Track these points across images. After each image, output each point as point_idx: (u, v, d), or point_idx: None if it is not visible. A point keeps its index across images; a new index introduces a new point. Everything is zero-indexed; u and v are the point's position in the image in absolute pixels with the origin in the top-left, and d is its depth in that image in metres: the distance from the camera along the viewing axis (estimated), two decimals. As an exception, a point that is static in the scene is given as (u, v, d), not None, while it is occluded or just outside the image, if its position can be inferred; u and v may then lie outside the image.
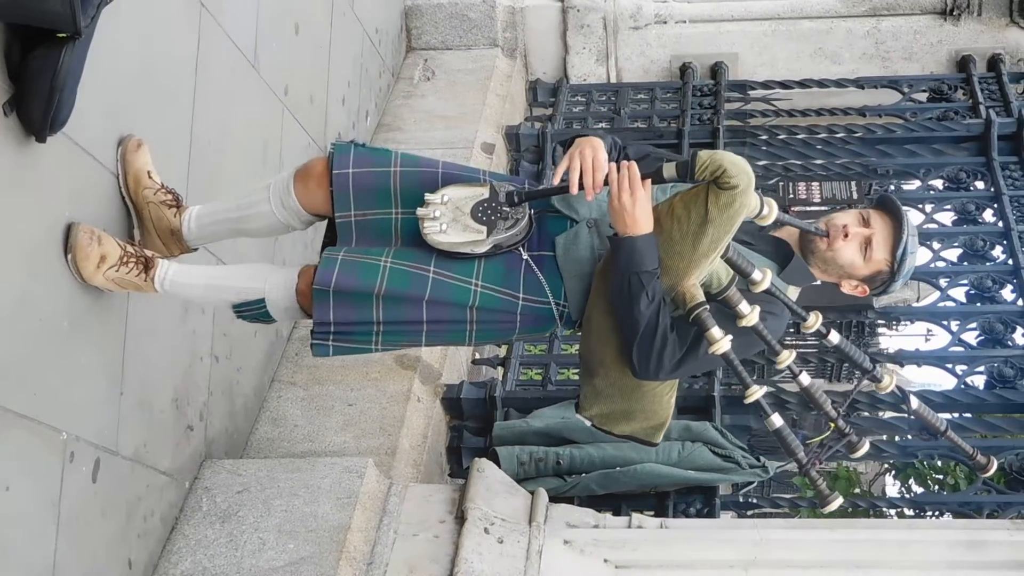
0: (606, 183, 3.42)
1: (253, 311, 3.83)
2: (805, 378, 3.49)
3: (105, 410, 4.00)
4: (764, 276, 3.40)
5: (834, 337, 3.53)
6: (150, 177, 4.07)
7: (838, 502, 3.48)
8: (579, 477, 5.29)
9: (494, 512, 4.46)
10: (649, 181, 3.36)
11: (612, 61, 8.36)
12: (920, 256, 3.84)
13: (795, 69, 8.25)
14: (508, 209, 3.58)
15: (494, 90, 7.70)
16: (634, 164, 3.39)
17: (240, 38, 5.11)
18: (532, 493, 4.66)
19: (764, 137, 7.36)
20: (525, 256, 3.63)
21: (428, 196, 3.62)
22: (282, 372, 5.58)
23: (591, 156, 3.44)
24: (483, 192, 3.62)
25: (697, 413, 5.62)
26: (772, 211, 3.35)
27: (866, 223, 3.56)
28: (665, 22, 8.42)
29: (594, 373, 3.64)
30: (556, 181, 3.51)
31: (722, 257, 3.35)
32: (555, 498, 4.82)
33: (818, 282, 3.70)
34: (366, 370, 5.57)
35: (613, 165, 3.42)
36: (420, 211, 3.60)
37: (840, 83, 8.04)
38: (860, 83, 8.02)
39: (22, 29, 3.34)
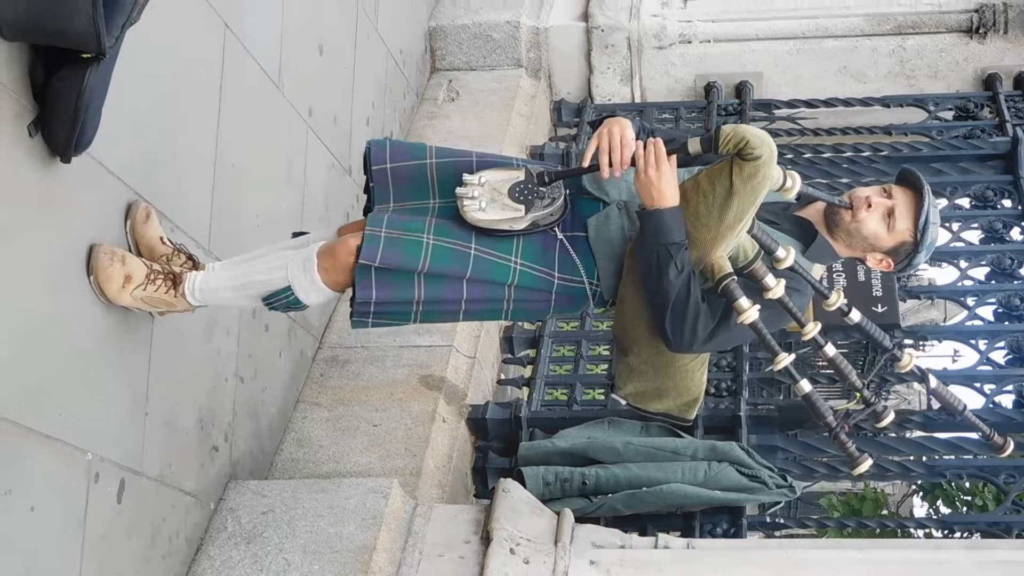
0: (634, 163, 3.51)
1: (283, 300, 3.82)
2: (831, 349, 3.61)
3: (130, 431, 4.00)
4: (788, 253, 3.53)
5: (855, 315, 3.64)
6: (163, 243, 4.05)
7: (868, 463, 3.63)
8: (605, 497, 5.26)
9: (520, 533, 4.44)
10: (675, 156, 3.48)
11: (636, 80, 8.35)
12: (941, 236, 3.87)
13: (820, 88, 8.23)
14: (544, 189, 3.66)
15: (518, 110, 7.70)
16: (660, 140, 3.49)
17: (264, 59, 5.13)
18: (558, 514, 4.64)
19: (790, 156, 7.34)
20: (560, 236, 3.71)
21: (467, 177, 3.70)
22: (307, 393, 5.58)
23: (619, 135, 3.53)
24: (519, 175, 3.69)
25: (723, 433, 5.59)
26: (796, 183, 3.47)
27: (888, 195, 3.63)
28: (689, 42, 8.41)
29: (627, 351, 3.75)
30: (586, 162, 3.60)
31: (748, 232, 3.46)
32: (581, 519, 4.79)
33: (841, 259, 3.83)
34: (391, 390, 5.57)
35: (640, 143, 3.51)
36: (459, 190, 3.68)
37: (865, 102, 8.01)
38: (886, 102, 8.00)
39: (46, 50, 3.35)
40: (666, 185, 3.45)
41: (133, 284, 3.76)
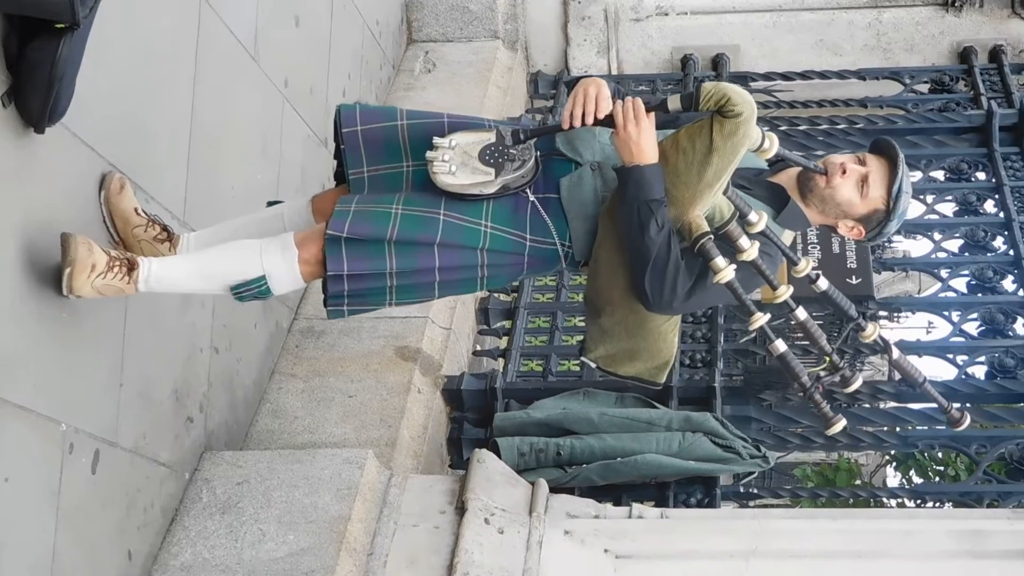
0: (610, 122, 3.51)
1: (252, 290, 3.74)
2: (802, 312, 3.62)
3: (105, 402, 4.00)
4: (760, 217, 3.54)
5: (822, 283, 3.68)
6: (138, 214, 4.01)
7: (842, 423, 3.66)
8: (580, 468, 5.28)
9: (494, 503, 4.46)
10: (654, 114, 3.49)
11: (613, 53, 8.35)
12: (915, 208, 3.93)
13: (796, 61, 8.25)
14: (515, 151, 3.64)
15: (495, 82, 7.69)
16: (639, 98, 3.50)
17: (240, 30, 5.11)
18: (533, 484, 4.66)
19: (766, 128, 7.33)
20: (532, 198, 3.69)
21: (436, 140, 3.67)
22: (282, 364, 5.58)
23: (595, 93, 3.53)
24: (490, 137, 3.67)
25: (697, 404, 5.61)
26: (774, 144, 3.50)
27: (862, 163, 3.65)
28: (666, 14, 8.42)
29: (600, 312, 3.75)
30: (565, 124, 3.59)
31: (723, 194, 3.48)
32: (556, 489, 4.81)
33: (813, 227, 3.88)
34: (366, 361, 5.58)
35: (618, 101, 3.51)
36: (429, 154, 3.66)
37: (842, 75, 8.04)
38: (861, 74, 8.03)
39: (20, 20, 3.33)
40: (646, 141, 3.46)
41: (95, 273, 3.61)
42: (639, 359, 3.81)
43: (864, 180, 3.62)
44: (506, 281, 4.28)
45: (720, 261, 3.46)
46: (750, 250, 3.51)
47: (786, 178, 3.74)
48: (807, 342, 3.75)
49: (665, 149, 3.49)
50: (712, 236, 3.48)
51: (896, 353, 3.76)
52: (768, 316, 3.59)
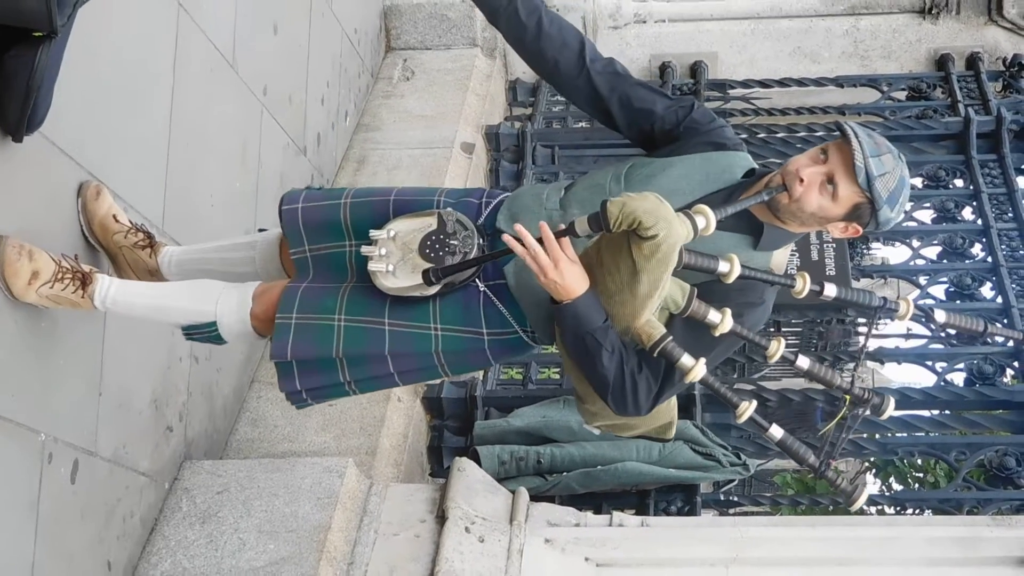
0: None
1: (203, 334, 3.65)
2: (804, 361, 3.22)
3: (83, 411, 3.98)
4: (731, 264, 3.09)
5: (830, 290, 3.26)
6: (117, 221, 3.98)
7: (866, 494, 3.24)
8: (560, 476, 5.29)
9: (475, 511, 4.45)
10: (567, 240, 3.07)
11: (591, 60, 8.35)
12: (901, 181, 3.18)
13: (774, 68, 8.28)
14: (455, 242, 3.36)
15: (474, 90, 7.69)
16: (548, 232, 3.06)
17: (218, 37, 5.10)
18: (513, 492, 4.65)
19: (744, 136, 7.36)
20: (482, 288, 3.44)
21: (373, 233, 3.43)
22: (262, 372, 5.57)
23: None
24: (431, 223, 3.40)
25: (678, 411, 5.60)
26: (709, 221, 3.02)
27: (824, 158, 3.19)
28: (644, 21, 8.44)
29: (583, 399, 3.43)
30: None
31: (682, 267, 3.05)
32: (536, 497, 4.81)
33: (800, 236, 3.43)
34: (346, 370, 5.56)
35: (533, 248, 3.07)
36: (365, 250, 3.42)
37: (819, 82, 8.07)
38: (839, 82, 8.06)
39: (-2, 28, 3.33)
40: (571, 279, 3.07)
41: (40, 281, 3.56)
42: (639, 427, 3.51)
43: (829, 179, 3.15)
44: (475, 368, 4.03)
45: (687, 360, 3.09)
46: (723, 322, 3.11)
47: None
48: (821, 385, 3.40)
49: (591, 265, 3.11)
50: (671, 337, 3.09)
51: (943, 316, 3.34)
52: (755, 405, 3.17)
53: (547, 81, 3.68)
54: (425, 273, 3.30)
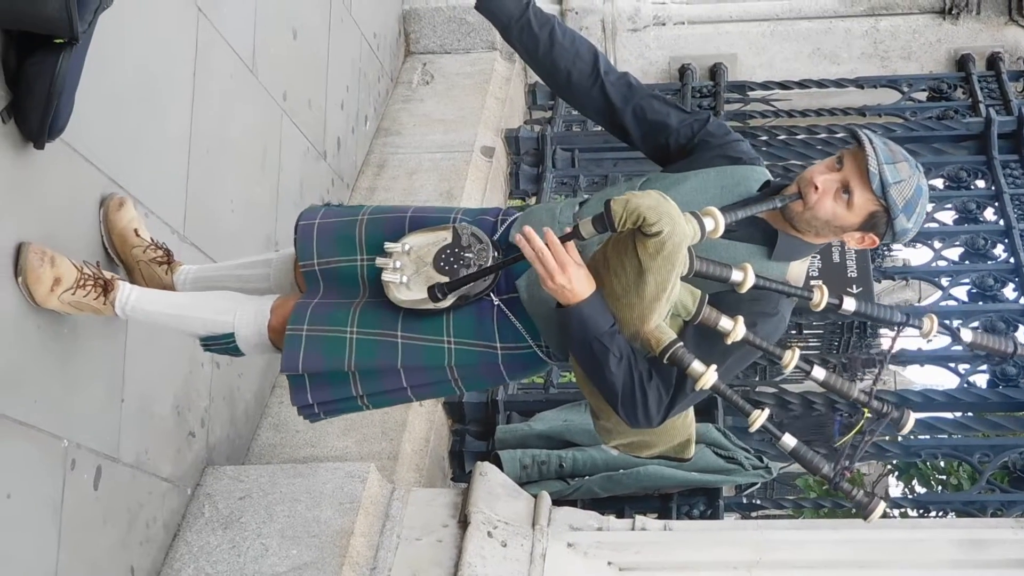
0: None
1: (221, 345, 3.64)
2: (819, 372, 3.10)
3: (106, 417, 3.99)
4: (745, 273, 3.01)
5: (849, 304, 3.13)
6: (137, 235, 3.98)
7: (881, 508, 3.10)
8: (582, 480, 5.28)
9: (497, 516, 4.45)
10: (572, 244, 3.01)
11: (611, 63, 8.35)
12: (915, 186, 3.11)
13: (794, 69, 8.26)
14: (470, 255, 3.33)
15: (493, 93, 7.69)
16: (554, 239, 3.00)
17: (238, 43, 5.11)
18: (535, 496, 4.65)
19: (764, 138, 7.35)
20: (496, 302, 3.40)
21: (388, 245, 3.40)
22: (283, 378, 5.52)
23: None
24: (446, 237, 3.38)
25: (700, 415, 5.59)
26: (719, 224, 2.96)
27: (840, 166, 3.12)
28: (663, 24, 8.43)
29: (598, 415, 3.39)
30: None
31: (693, 275, 2.99)
32: (558, 501, 4.81)
33: (819, 248, 3.34)
34: (368, 375, 5.56)
35: (540, 250, 2.99)
36: (379, 261, 3.40)
37: (839, 83, 8.04)
38: (859, 83, 8.04)
39: (19, 35, 3.33)
40: (578, 283, 2.99)
41: (62, 287, 3.57)
42: (656, 445, 3.44)
43: (844, 187, 3.08)
44: (488, 385, 3.99)
45: (697, 366, 2.98)
46: (735, 330, 3.01)
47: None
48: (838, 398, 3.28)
49: (597, 268, 3.04)
50: (681, 343, 3.00)
51: (970, 335, 3.22)
52: (767, 413, 3.11)
53: (560, 94, 3.66)
54: (431, 289, 3.22)
